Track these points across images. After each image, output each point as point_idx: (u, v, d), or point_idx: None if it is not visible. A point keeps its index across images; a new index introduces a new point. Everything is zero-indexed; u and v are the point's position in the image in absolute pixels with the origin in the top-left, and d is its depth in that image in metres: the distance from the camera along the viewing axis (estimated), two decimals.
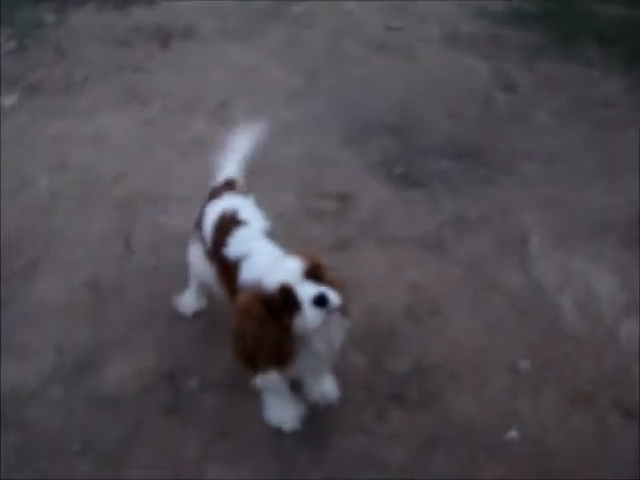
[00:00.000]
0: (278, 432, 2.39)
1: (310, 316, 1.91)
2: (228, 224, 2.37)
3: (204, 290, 2.75)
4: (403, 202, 3.51)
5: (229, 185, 2.62)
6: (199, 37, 5.22)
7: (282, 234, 2.45)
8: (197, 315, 2.83)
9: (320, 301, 1.90)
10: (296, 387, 2.40)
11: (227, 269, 2.31)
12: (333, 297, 1.93)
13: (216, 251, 2.38)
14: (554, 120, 4.16)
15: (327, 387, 2.47)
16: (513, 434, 2.38)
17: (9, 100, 4.41)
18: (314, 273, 1.98)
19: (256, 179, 3.41)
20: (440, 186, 3.61)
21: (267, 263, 2.08)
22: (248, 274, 2.17)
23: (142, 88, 4.56)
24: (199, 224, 2.55)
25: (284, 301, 1.94)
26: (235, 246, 2.30)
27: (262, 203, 2.56)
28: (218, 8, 5.66)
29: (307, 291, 1.92)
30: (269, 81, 4.62)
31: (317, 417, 2.44)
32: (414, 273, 3.04)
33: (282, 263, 2.02)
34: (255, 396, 2.40)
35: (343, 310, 2.03)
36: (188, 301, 2.83)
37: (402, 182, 3.66)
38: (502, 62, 4.82)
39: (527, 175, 3.69)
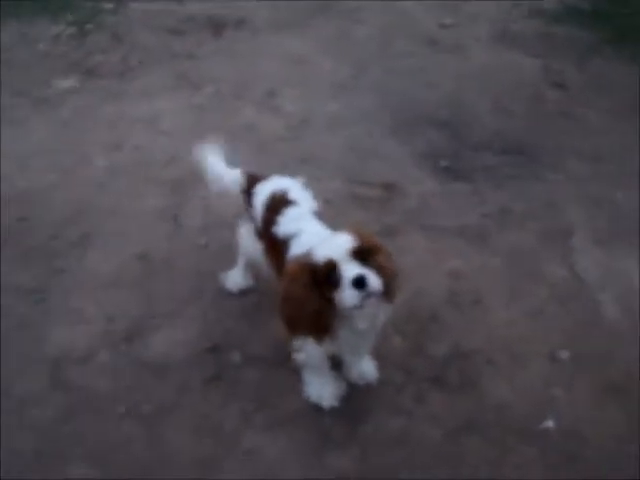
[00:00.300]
0: (316, 408, 2.44)
1: (347, 295, 1.97)
2: (278, 204, 2.44)
3: (251, 268, 2.83)
4: (448, 194, 3.53)
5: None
6: (251, 27, 5.31)
7: (329, 219, 2.50)
8: (243, 293, 2.91)
9: (359, 283, 1.95)
10: (336, 366, 2.46)
11: (276, 247, 2.38)
12: (373, 281, 1.97)
13: (266, 230, 2.45)
14: (603, 119, 4.13)
15: (366, 367, 2.53)
16: (549, 423, 2.40)
17: (68, 82, 4.57)
18: (363, 254, 2.03)
19: (304, 166, 3.53)
20: (485, 180, 3.63)
21: (316, 242, 2.13)
22: (297, 252, 2.22)
23: (194, 75, 4.67)
24: (249, 204, 2.62)
25: (328, 275, 2.00)
26: (285, 225, 2.37)
27: (310, 189, 2.61)
28: (271, 0, 5.75)
29: (349, 271, 1.98)
30: (318, 72, 4.68)
31: (356, 396, 2.49)
32: (457, 262, 3.07)
33: (334, 238, 2.07)
34: (295, 372, 2.47)
35: (387, 295, 2.07)
36: (235, 279, 2.90)
37: (447, 174, 3.68)
38: (553, 60, 4.80)
39: (574, 173, 3.67)
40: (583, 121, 4.15)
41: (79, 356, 2.67)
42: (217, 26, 5.29)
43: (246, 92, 4.44)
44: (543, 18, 5.39)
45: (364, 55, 4.90)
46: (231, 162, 2.77)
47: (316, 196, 2.58)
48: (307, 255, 2.05)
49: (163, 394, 2.52)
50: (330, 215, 2.66)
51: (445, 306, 2.85)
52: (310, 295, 2.01)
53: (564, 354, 2.63)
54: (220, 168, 2.72)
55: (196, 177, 3.55)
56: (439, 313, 2.81)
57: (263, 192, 2.53)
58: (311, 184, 2.67)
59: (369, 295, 1.98)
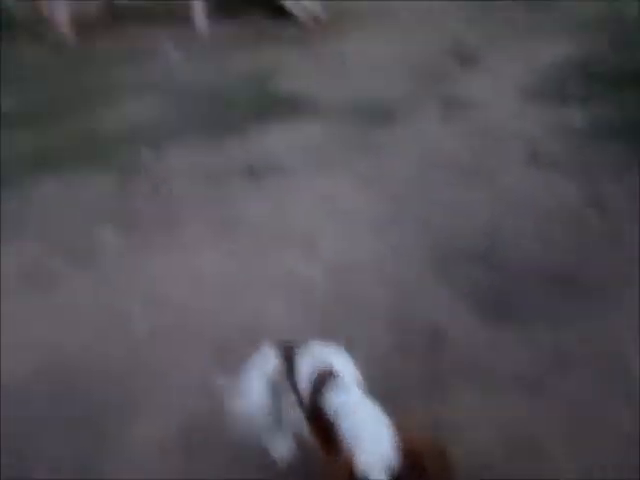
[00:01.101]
0: None
1: None
2: (322, 378, 2.39)
3: (297, 439, 2.74)
4: (494, 335, 3.41)
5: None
6: (287, 170, 5.43)
7: (375, 374, 2.49)
8: (288, 462, 2.79)
9: None
10: None
11: (322, 422, 2.31)
12: None
13: (311, 403, 2.40)
14: None
15: None
16: None
17: (108, 235, 4.65)
18: (409, 462, 2.00)
19: (347, 313, 3.50)
20: (533, 317, 3.51)
21: (364, 419, 2.15)
22: (345, 431, 2.18)
23: (234, 222, 4.73)
24: (290, 374, 2.57)
25: None
26: (331, 399, 2.31)
27: (352, 340, 2.59)
28: (304, 140, 5.94)
29: None
30: (356, 210, 4.73)
31: None
32: (511, 412, 2.93)
33: (379, 443, 2.04)
34: None
35: None
36: (281, 448, 2.81)
37: (492, 312, 3.57)
38: (589, 178, 4.77)
39: (627, 301, 3.53)
40: (629, 241, 4.03)
41: None
42: (254, 171, 5.43)
43: (284, 237, 4.47)
44: (573, 136, 5.41)
45: (399, 188, 4.96)
46: None
47: (359, 349, 2.55)
48: (351, 456, 2.02)
49: None
50: (376, 368, 2.63)
51: (503, 463, 2.69)
52: None
53: None
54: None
55: (240, 335, 3.55)
56: (497, 470, 2.65)
57: (306, 365, 2.50)
58: (354, 333, 2.60)
59: None
